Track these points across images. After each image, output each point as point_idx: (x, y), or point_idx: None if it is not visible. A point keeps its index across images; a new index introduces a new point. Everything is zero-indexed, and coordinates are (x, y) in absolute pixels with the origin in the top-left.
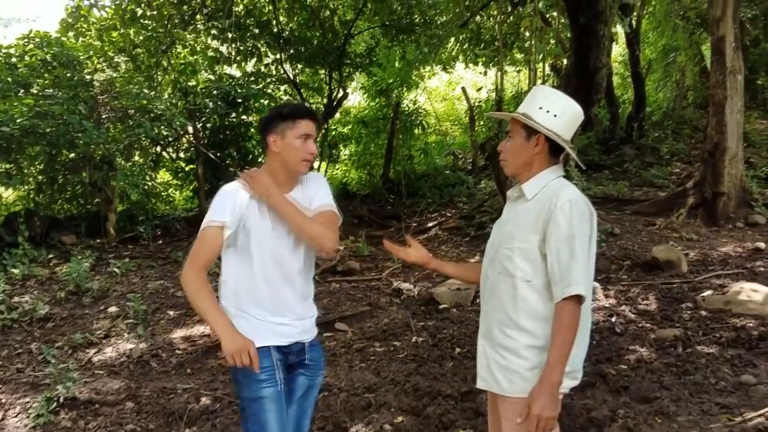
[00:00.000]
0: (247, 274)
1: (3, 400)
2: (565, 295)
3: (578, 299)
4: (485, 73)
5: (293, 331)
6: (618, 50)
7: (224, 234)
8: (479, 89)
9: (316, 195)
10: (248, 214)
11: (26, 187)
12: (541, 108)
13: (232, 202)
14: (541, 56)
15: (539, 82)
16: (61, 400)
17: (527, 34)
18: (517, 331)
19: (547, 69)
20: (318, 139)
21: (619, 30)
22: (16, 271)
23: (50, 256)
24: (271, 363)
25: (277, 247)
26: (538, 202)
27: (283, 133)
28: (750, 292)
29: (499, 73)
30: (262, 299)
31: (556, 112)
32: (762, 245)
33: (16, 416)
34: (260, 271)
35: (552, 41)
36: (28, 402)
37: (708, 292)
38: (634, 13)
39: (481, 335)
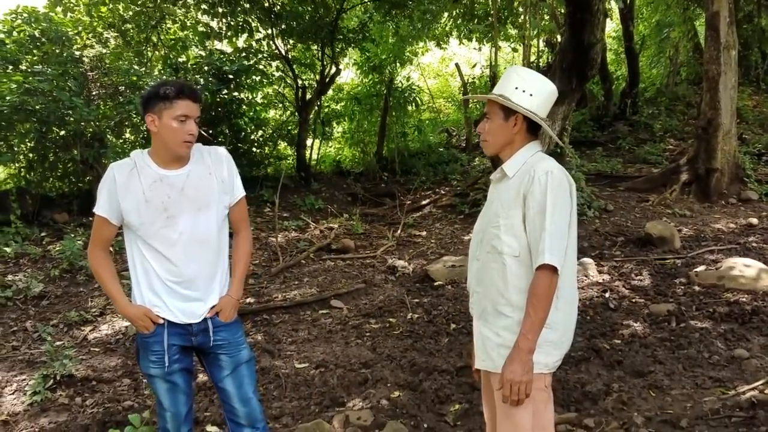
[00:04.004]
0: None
1: None
2: (537, 265)
3: (552, 269)
4: (480, 49)
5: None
6: (611, 26)
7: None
8: (474, 66)
9: (234, 183)
10: (124, 199)
11: (17, 164)
12: (517, 88)
13: (107, 192)
14: (535, 32)
15: (533, 57)
16: (58, 377)
17: (521, 9)
18: (509, 308)
19: (542, 44)
20: (311, 116)
21: (613, 5)
22: (8, 249)
23: (43, 234)
24: (162, 348)
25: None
26: (519, 177)
27: (160, 113)
28: (743, 267)
29: (494, 49)
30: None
31: (531, 91)
32: (755, 221)
33: (12, 393)
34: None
35: (546, 17)
36: (24, 379)
37: (701, 268)
38: None
39: (476, 317)
